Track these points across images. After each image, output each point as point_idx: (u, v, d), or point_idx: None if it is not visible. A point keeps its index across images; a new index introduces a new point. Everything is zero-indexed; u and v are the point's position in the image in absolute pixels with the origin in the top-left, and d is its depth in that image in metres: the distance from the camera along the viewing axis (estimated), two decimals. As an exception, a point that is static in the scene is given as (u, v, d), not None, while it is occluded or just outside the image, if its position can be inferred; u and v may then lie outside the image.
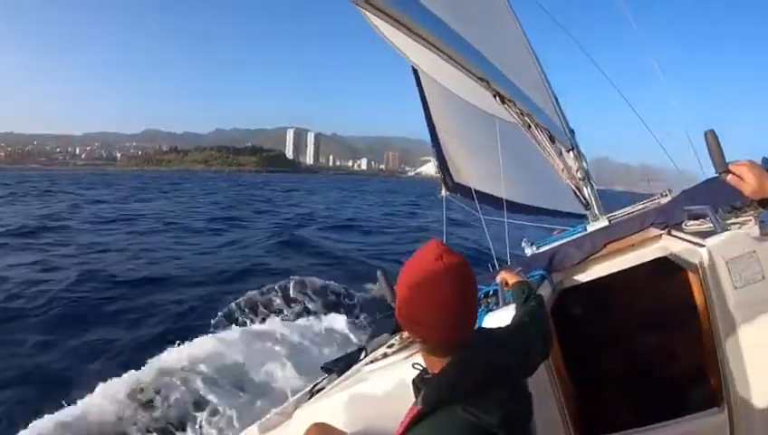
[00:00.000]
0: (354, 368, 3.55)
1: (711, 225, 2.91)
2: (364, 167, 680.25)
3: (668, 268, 3.13)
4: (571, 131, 5.05)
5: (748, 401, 2.65)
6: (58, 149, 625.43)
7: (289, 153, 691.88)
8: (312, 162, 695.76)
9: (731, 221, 2.85)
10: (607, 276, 3.34)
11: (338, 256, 17.55)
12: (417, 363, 1.72)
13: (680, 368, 3.29)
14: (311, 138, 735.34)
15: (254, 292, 11.01)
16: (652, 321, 3.51)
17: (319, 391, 3.68)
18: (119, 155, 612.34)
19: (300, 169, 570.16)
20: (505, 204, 6.02)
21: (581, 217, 5.36)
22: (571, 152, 4.72)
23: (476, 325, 1.62)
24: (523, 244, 4.59)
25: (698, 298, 2.95)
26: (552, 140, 4.32)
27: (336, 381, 3.57)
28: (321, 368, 4.12)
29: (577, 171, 4.63)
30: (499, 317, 2.57)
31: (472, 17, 3.64)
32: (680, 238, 3.11)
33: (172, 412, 6.31)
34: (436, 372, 1.51)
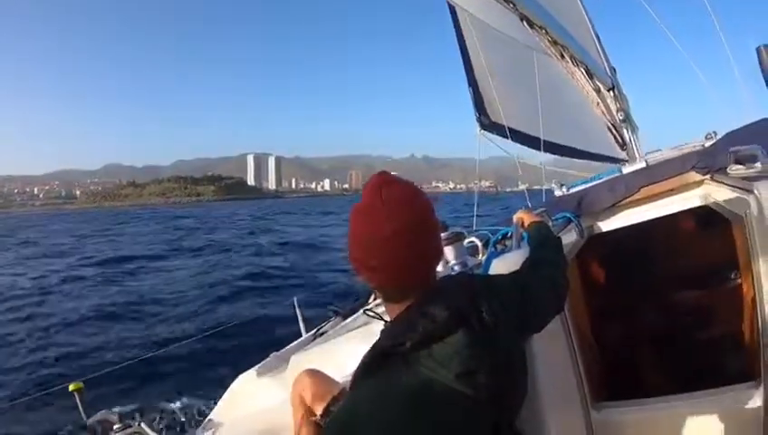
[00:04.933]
0: (358, 312, 3.47)
1: (761, 168, 2.50)
2: (328, 188, 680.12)
3: (710, 218, 2.84)
4: (613, 70, 4.80)
5: None
6: (16, 191, 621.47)
7: (250, 179, 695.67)
8: (274, 187, 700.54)
9: None
10: (641, 224, 3.05)
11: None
12: (370, 309, 1.64)
13: (719, 331, 3.04)
14: (272, 162, 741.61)
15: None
16: (691, 277, 3.28)
17: (323, 334, 3.64)
18: (78, 193, 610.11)
19: (261, 195, 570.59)
20: (543, 144, 5.74)
21: (620, 162, 4.97)
22: (611, 91, 4.44)
23: (436, 265, 1.42)
24: (553, 184, 4.10)
25: (742, 255, 2.65)
26: (590, 75, 4.07)
27: (339, 325, 3.54)
28: (328, 310, 4.08)
29: (617, 112, 4.33)
30: (507, 262, 2.19)
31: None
32: (724, 184, 2.74)
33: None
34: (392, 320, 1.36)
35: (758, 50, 1.93)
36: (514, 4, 2.97)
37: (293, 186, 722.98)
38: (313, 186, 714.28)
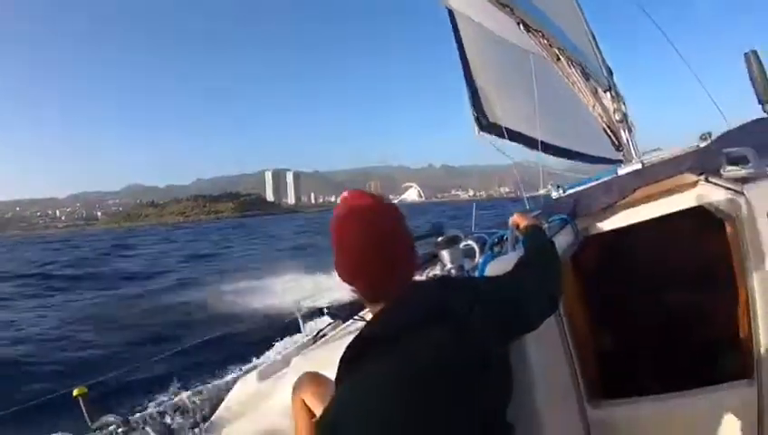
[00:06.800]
0: (359, 315, 3.43)
1: (752, 170, 2.55)
2: None
3: (705, 219, 2.81)
4: (610, 71, 4.82)
5: None
6: (38, 214, 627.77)
7: (269, 195, 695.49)
8: (293, 202, 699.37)
9: None
10: (637, 225, 3.05)
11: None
12: (360, 316, 1.75)
13: (714, 331, 3.02)
14: (290, 177, 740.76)
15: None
16: (686, 277, 3.30)
17: (323, 336, 3.67)
18: (99, 214, 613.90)
19: (280, 210, 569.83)
20: (540, 145, 5.79)
21: (619, 163, 4.97)
22: (608, 93, 4.46)
23: (412, 270, 1.53)
24: (550, 186, 4.12)
25: (735, 255, 2.64)
26: (586, 77, 4.11)
27: (340, 328, 3.57)
28: (327, 313, 4.10)
29: (614, 113, 4.36)
30: (502, 264, 2.23)
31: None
32: (718, 185, 2.75)
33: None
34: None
35: (746, 55, 1.97)
36: (512, 9, 3.04)
37: (312, 200, 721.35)
38: (333, 199, 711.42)
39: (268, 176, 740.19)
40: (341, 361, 1.33)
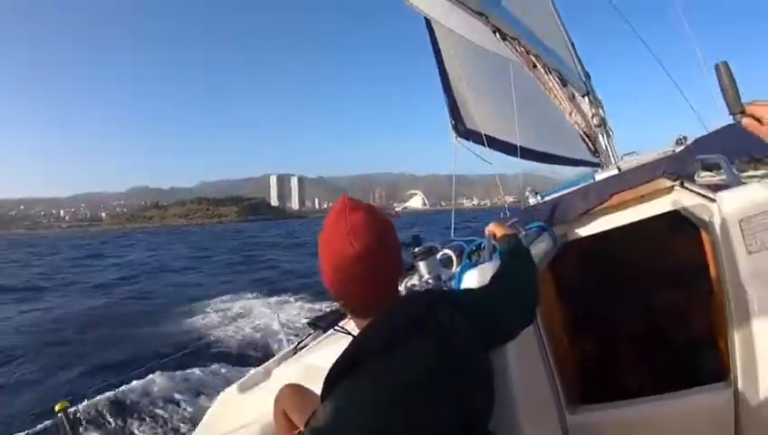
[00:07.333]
0: (340, 325, 3.42)
1: (724, 177, 2.58)
2: None
3: (681, 224, 2.86)
4: (587, 75, 4.86)
5: (754, 381, 2.32)
6: (42, 213, 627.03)
7: (273, 200, 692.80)
8: (297, 207, 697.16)
9: (749, 174, 2.53)
10: (614, 230, 3.10)
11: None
12: (341, 326, 1.71)
13: (694, 333, 3.07)
14: (294, 182, 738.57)
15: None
16: (665, 279, 3.33)
17: (303, 347, 3.64)
18: (103, 214, 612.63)
19: (285, 215, 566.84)
20: (519, 150, 5.80)
21: (598, 166, 4.97)
22: (585, 97, 4.48)
23: (398, 282, 1.53)
24: (527, 193, 4.18)
25: (710, 259, 2.68)
26: (563, 83, 4.12)
27: (320, 338, 3.54)
28: (308, 323, 4.08)
29: (592, 118, 4.42)
30: (479, 274, 2.23)
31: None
32: (692, 191, 2.81)
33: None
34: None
35: (716, 67, 2.02)
36: (487, 17, 3.06)
37: (317, 205, 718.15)
38: None
39: (273, 180, 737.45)
40: (329, 376, 1.32)
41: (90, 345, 13.27)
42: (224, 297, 18.69)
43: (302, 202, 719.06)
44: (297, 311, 14.77)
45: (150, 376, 8.54)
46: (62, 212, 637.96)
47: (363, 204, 1.45)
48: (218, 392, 3.90)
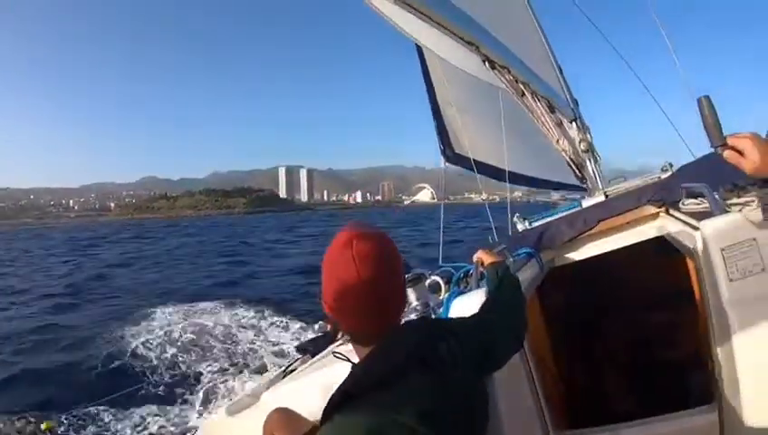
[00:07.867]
0: (328, 349, 3.47)
1: (707, 205, 2.63)
2: (359, 199, 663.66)
3: (666, 249, 2.91)
4: (575, 102, 4.91)
5: (738, 405, 2.35)
6: (51, 203, 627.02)
7: (282, 192, 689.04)
8: (306, 199, 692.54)
9: (732, 202, 2.51)
10: (600, 255, 3.17)
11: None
12: (339, 352, 1.67)
13: (680, 356, 3.10)
14: (303, 174, 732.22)
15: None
16: (651, 303, 3.37)
17: (292, 371, 3.62)
18: (112, 205, 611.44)
19: (293, 207, 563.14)
20: (508, 175, 5.87)
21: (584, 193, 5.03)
22: (573, 123, 4.52)
23: (402, 311, 1.52)
24: (516, 219, 4.21)
25: (695, 284, 2.72)
26: (551, 109, 4.16)
27: (309, 363, 3.52)
28: (296, 348, 4.12)
29: (580, 143, 4.46)
30: (467, 302, 2.29)
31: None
32: (676, 218, 2.87)
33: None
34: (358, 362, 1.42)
35: (699, 101, 2.05)
36: (477, 47, 3.07)
37: (325, 198, 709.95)
38: (346, 198, 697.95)
39: (281, 172, 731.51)
40: (325, 410, 1.30)
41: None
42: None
43: (311, 194, 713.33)
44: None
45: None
46: (71, 202, 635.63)
47: (371, 230, 1.43)
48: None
